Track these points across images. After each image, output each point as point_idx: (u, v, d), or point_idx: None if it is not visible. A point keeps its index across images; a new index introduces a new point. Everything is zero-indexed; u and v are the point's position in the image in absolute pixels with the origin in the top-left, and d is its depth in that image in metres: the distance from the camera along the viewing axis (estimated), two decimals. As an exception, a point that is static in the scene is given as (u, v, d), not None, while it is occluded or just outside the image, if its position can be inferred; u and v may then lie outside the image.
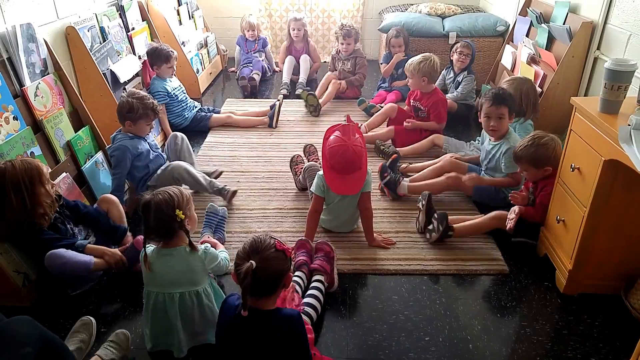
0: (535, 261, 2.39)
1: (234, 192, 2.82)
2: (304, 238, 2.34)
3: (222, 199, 2.83)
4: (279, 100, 3.95)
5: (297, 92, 4.50)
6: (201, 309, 1.81)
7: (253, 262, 1.46)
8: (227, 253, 1.99)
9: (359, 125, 3.52)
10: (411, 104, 3.64)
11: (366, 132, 3.54)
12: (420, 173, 3.01)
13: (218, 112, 3.94)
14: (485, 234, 2.55)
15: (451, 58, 4.03)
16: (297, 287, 2.06)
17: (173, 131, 3.61)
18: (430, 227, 2.50)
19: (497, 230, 2.53)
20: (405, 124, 3.52)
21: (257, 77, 4.68)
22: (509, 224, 2.37)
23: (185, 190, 1.83)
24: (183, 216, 1.73)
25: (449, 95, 3.90)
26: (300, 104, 4.29)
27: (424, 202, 2.55)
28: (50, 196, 2.04)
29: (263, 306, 1.54)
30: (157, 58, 3.59)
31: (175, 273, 1.76)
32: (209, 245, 1.88)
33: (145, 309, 1.83)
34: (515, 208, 2.40)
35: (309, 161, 3.07)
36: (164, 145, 3.47)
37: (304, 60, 4.82)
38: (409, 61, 3.51)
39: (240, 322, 1.53)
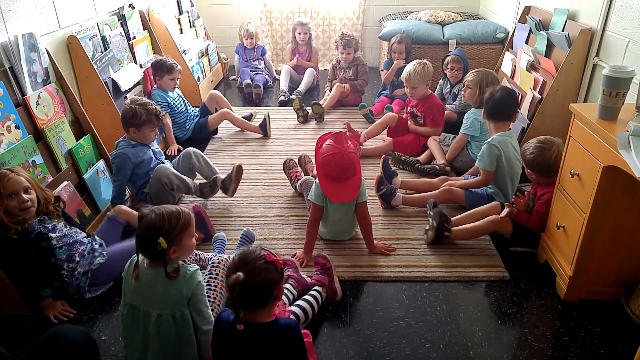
0: (535, 268, 2.39)
1: (215, 182, 2.81)
2: (285, 258, 2.28)
3: (206, 196, 2.83)
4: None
5: (291, 97, 4.53)
6: (179, 333, 1.70)
7: (241, 273, 1.44)
8: None
9: (359, 133, 3.54)
10: (409, 111, 3.67)
11: (365, 140, 3.56)
12: (415, 180, 3.07)
13: (210, 113, 3.94)
14: (486, 240, 2.56)
15: (444, 71, 4.04)
16: (284, 298, 2.02)
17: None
18: (427, 226, 2.52)
19: (499, 237, 2.54)
20: (408, 122, 3.66)
21: (261, 88, 4.72)
22: (502, 213, 2.44)
23: (188, 213, 1.72)
24: (165, 246, 1.60)
25: (447, 107, 3.91)
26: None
27: (432, 214, 2.56)
28: (14, 207, 1.99)
29: (258, 319, 1.52)
30: (159, 69, 3.61)
31: (154, 293, 1.67)
32: (194, 267, 1.73)
33: (125, 323, 1.75)
34: (508, 205, 2.47)
35: (304, 170, 3.07)
36: (165, 153, 3.50)
37: (309, 73, 4.86)
38: (411, 71, 3.50)
39: (237, 337, 1.51)
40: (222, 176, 2.89)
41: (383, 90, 4.55)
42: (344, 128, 3.53)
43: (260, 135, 3.88)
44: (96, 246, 2.26)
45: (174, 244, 1.64)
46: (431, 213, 2.56)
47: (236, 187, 2.88)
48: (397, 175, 2.93)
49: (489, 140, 2.74)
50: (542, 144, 2.42)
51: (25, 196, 2.02)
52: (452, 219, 2.56)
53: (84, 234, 2.27)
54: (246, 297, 1.46)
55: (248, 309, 1.50)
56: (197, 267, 1.73)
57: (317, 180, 2.43)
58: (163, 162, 2.86)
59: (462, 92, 3.42)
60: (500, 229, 2.50)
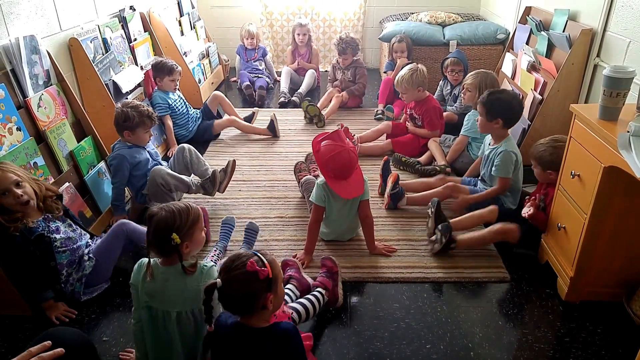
0: (536, 268, 2.39)
1: (214, 176, 2.78)
2: (286, 258, 2.31)
3: (210, 192, 2.81)
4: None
5: (292, 99, 4.57)
6: (197, 329, 1.73)
7: (219, 280, 1.46)
8: None
9: (354, 136, 3.54)
10: (408, 112, 3.68)
11: (359, 143, 3.55)
12: (419, 195, 2.96)
13: (220, 117, 3.97)
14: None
15: (445, 74, 4.03)
16: (286, 298, 2.02)
17: (178, 144, 3.66)
18: (434, 237, 2.50)
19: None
20: (407, 124, 3.67)
21: (265, 90, 4.74)
22: (526, 214, 2.37)
23: (196, 207, 1.74)
24: (179, 241, 1.63)
25: (448, 108, 3.91)
26: (301, 113, 4.30)
27: (433, 209, 2.57)
28: (14, 198, 1.97)
29: (254, 323, 1.52)
30: (160, 70, 3.62)
31: (171, 292, 1.69)
32: (210, 263, 1.77)
33: (145, 327, 1.74)
34: (532, 204, 2.41)
35: (309, 169, 3.07)
36: (165, 155, 3.51)
37: (310, 75, 4.87)
38: (399, 77, 3.52)
39: (235, 341, 1.51)
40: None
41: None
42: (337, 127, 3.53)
43: (261, 137, 3.89)
44: (86, 250, 2.26)
45: (186, 239, 1.67)
46: (432, 214, 2.55)
47: (228, 183, 2.87)
48: (404, 197, 2.92)
49: (499, 147, 2.71)
50: (557, 142, 2.40)
51: (18, 191, 1.97)
52: (451, 221, 2.54)
53: (87, 237, 2.27)
54: (227, 303, 1.49)
55: (238, 314, 1.51)
56: (213, 263, 1.75)
57: (318, 181, 2.44)
58: (160, 164, 2.85)
59: (462, 95, 3.42)
60: (507, 238, 2.47)
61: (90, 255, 2.23)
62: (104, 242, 2.28)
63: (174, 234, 1.62)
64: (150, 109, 2.80)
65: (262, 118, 4.12)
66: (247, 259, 1.48)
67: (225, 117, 4.00)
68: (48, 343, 1.31)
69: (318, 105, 4.22)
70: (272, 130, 3.89)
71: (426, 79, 3.54)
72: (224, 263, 1.52)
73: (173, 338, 1.70)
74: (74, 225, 2.22)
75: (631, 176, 1.66)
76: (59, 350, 1.29)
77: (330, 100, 4.37)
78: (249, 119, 4.01)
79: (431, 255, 2.49)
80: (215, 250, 2.41)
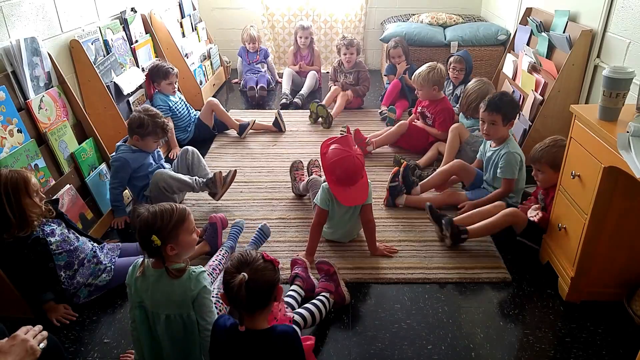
0: (537, 269, 2.38)
1: (219, 176, 2.78)
2: (296, 256, 2.32)
3: (214, 191, 2.80)
4: (277, 114, 4.01)
5: (294, 100, 4.59)
6: (187, 334, 1.70)
7: (245, 274, 1.43)
8: None
9: (367, 139, 3.54)
10: (419, 110, 3.67)
11: (374, 149, 3.55)
12: (430, 177, 3.00)
13: (215, 130, 3.96)
14: (488, 241, 2.56)
15: (447, 72, 4.03)
16: (290, 300, 2.03)
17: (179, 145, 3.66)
18: (443, 233, 2.52)
19: (500, 237, 2.54)
20: (416, 121, 3.67)
21: (265, 90, 4.74)
22: (535, 218, 2.36)
23: (183, 209, 1.68)
24: (159, 243, 1.58)
25: None
26: (303, 114, 4.32)
27: (429, 216, 2.58)
28: (38, 207, 2.00)
29: (256, 325, 1.50)
30: (156, 74, 3.63)
31: (159, 294, 1.66)
32: (199, 269, 1.70)
33: (139, 327, 1.73)
34: (537, 208, 2.40)
35: (310, 173, 3.06)
36: (167, 157, 3.52)
37: (311, 76, 4.87)
38: (417, 73, 3.53)
39: (235, 344, 1.51)
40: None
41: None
42: (342, 132, 3.54)
43: (263, 138, 3.90)
44: (101, 256, 2.24)
45: (170, 241, 1.62)
46: (431, 220, 2.55)
47: (224, 192, 2.85)
48: (417, 185, 2.94)
49: (502, 149, 2.72)
50: (559, 140, 2.41)
51: (42, 195, 2.07)
52: (455, 219, 2.55)
53: (85, 239, 2.25)
54: (250, 298, 1.45)
55: (248, 313, 1.49)
56: (203, 268, 1.71)
57: (324, 184, 2.43)
58: (163, 166, 2.86)
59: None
60: (516, 222, 2.46)
61: (112, 268, 2.24)
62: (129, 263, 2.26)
63: (154, 236, 1.58)
64: (167, 121, 2.81)
65: (267, 118, 4.12)
66: (256, 253, 1.52)
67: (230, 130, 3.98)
68: (45, 333, 1.46)
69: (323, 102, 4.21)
70: (242, 130, 3.88)
71: (443, 79, 3.55)
72: (237, 262, 1.49)
73: (162, 340, 1.68)
74: (67, 229, 2.20)
75: (631, 176, 1.67)
76: (39, 352, 1.40)
77: (335, 98, 4.36)
78: (244, 127, 3.92)
79: (446, 249, 2.51)
80: (221, 250, 2.40)
